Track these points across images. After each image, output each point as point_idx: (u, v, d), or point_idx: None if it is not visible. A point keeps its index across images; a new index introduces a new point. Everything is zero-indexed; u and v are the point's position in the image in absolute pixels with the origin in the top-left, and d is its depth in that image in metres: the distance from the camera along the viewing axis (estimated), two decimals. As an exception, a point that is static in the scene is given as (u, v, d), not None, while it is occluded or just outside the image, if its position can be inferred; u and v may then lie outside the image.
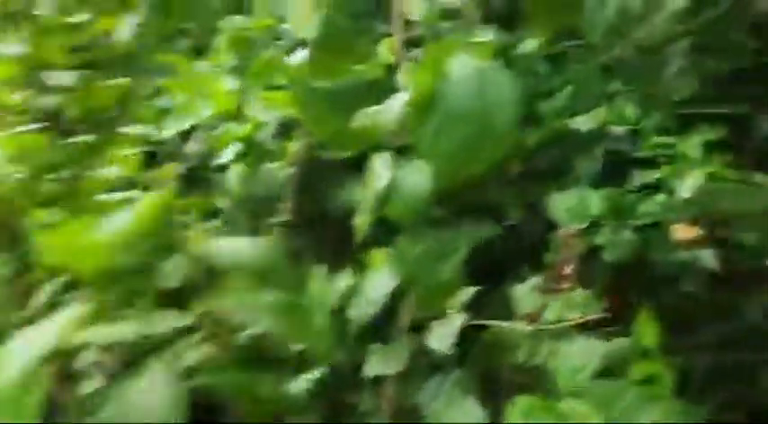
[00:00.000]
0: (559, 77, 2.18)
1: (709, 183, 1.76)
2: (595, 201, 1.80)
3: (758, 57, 2.21)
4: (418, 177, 1.19)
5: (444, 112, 1.07)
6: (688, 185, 1.73)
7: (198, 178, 1.99)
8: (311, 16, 1.39)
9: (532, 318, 1.50)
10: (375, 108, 1.22)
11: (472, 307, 1.55)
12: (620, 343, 1.56)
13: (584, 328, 1.52)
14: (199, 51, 2.14)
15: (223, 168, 1.87)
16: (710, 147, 1.94)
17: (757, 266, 1.75)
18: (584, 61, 2.16)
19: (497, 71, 1.08)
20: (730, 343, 1.72)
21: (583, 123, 2.04)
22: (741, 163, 2.16)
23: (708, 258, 1.71)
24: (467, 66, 1.10)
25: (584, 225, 1.77)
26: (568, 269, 1.77)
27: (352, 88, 1.38)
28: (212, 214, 1.92)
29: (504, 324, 1.49)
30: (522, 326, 1.47)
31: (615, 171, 1.97)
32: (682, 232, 1.74)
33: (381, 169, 1.24)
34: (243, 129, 1.73)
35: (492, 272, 1.85)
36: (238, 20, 1.93)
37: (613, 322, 1.73)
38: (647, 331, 1.70)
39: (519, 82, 1.08)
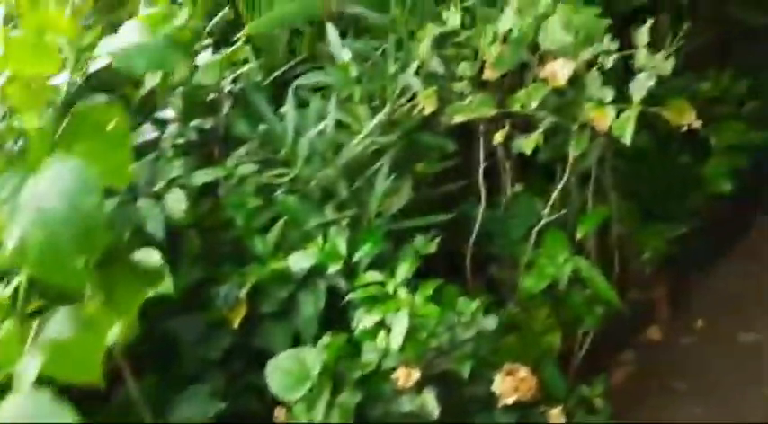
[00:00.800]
0: (271, 211, 1.98)
1: (420, 319, 1.65)
2: (314, 359, 1.61)
3: (461, 159, 2.19)
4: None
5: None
6: (398, 329, 1.60)
7: None
8: None
9: None
10: None
11: None
12: None
13: None
14: None
15: None
16: (424, 264, 1.85)
17: (480, 394, 1.67)
18: (293, 191, 1.98)
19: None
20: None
21: (300, 260, 1.85)
22: (459, 279, 2.11)
23: (430, 402, 1.59)
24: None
25: (304, 392, 1.57)
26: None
27: None
28: None
29: None
30: None
31: (336, 312, 1.81)
32: (403, 377, 1.61)
33: None
34: None
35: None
36: None
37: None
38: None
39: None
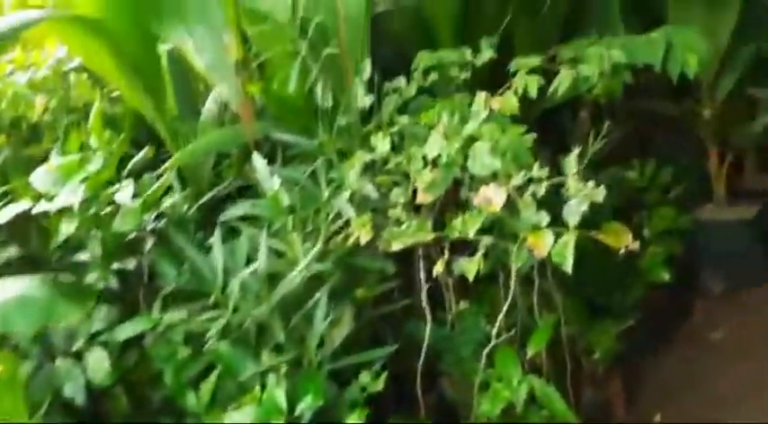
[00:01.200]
0: (202, 361, 1.79)
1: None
2: None
3: (402, 278, 2.08)
4: None
5: None
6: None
7: None
8: None
9: None
10: None
11: None
12: None
13: None
14: None
15: None
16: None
17: None
18: (226, 336, 1.80)
19: None
20: None
21: (239, 417, 1.65)
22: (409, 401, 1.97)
23: None
24: None
25: None
26: None
27: None
28: None
29: None
30: None
31: (280, 474, 1.61)
32: None
33: None
34: None
35: None
36: None
37: None
38: None
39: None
